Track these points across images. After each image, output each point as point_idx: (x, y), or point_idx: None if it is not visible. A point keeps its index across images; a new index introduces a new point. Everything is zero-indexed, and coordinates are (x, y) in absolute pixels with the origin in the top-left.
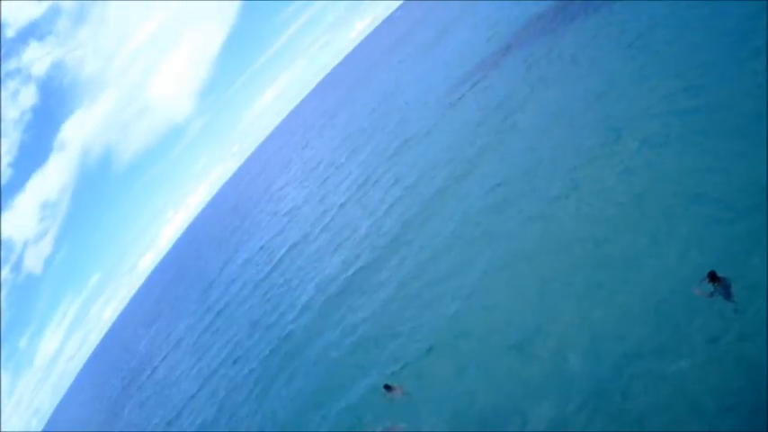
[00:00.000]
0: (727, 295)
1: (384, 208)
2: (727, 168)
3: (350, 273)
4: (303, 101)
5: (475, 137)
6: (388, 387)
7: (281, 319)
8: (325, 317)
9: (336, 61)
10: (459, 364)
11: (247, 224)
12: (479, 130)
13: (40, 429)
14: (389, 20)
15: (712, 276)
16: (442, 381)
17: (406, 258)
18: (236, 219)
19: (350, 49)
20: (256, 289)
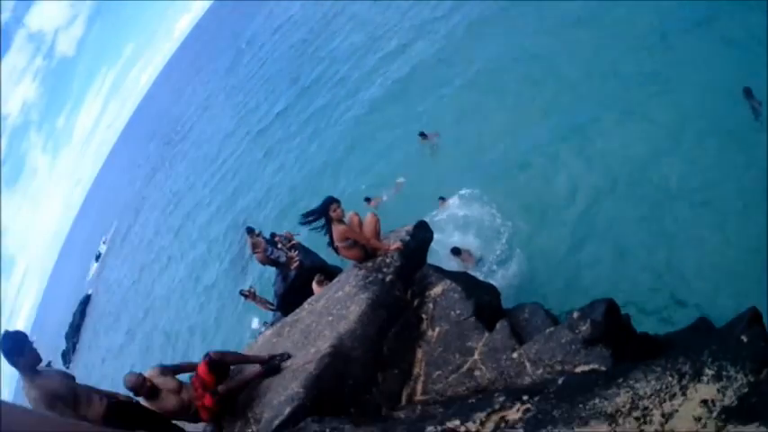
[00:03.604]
0: (756, 113)
1: None
2: None
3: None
4: None
5: None
6: (423, 134)
7: (322, 73)
8: (364, 71)
9: None
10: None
11: None
12: None
13: (83, 197)
14: None
15: (747, 92)
16: (474, 133)
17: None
18: None
19: None
20: (295, 48)
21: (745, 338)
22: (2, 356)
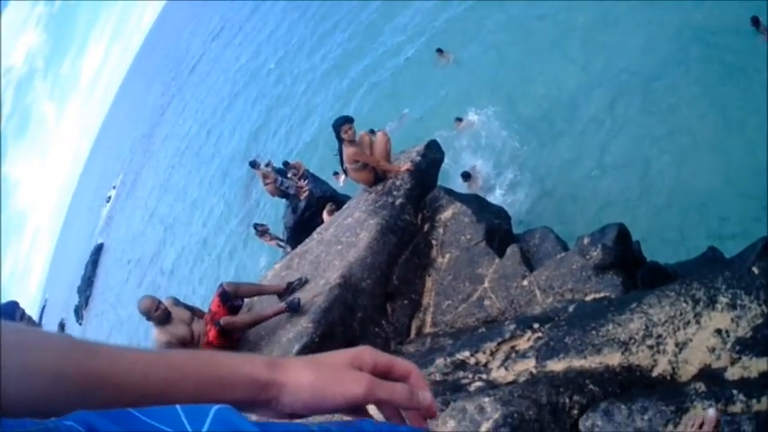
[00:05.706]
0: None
1: None
2: None
3: None
4: None
5: None
6: (440, 51)
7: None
8: None
9: None
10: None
11: None
12: None
13: (90, 146)
14: None
15: (755, 21)
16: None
17: None
18: None
19: None
20: None
21: (756, 270)
22: None
